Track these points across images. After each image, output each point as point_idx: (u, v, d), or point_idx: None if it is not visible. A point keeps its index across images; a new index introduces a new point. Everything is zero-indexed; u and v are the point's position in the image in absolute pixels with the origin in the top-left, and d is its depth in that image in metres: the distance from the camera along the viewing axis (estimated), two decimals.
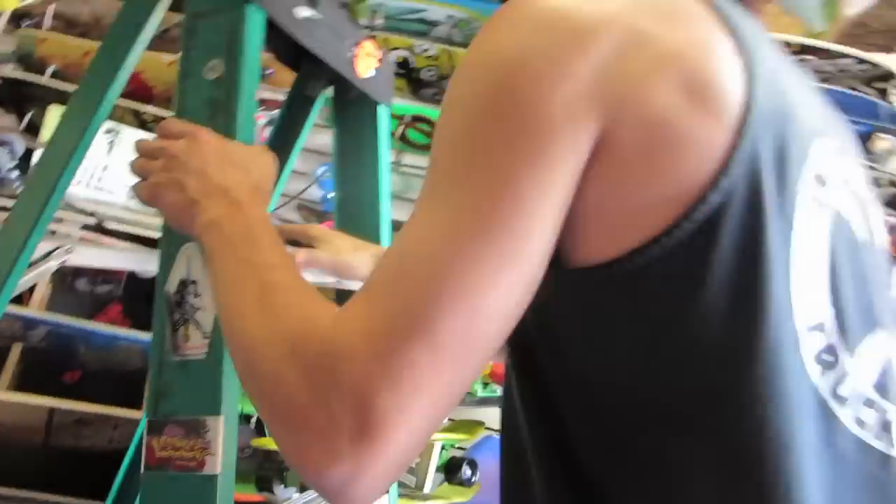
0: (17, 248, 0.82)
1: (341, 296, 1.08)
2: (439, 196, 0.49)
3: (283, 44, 0.81)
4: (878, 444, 0.55)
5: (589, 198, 0.49)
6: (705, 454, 0.49)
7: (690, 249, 0.48)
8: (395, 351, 0.44)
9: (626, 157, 0.48)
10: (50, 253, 0.84)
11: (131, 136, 2.09)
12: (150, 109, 2.13)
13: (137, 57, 0.83)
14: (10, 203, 1.76)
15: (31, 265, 0.83)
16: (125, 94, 2.11)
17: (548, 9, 0.50)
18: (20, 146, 1.97)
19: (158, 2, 0.82)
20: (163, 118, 0.90)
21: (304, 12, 0.85)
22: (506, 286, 0.46)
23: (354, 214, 1.05)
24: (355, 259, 0.97)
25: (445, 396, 0.46)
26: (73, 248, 0.86)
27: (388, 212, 1.06)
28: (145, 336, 1.86)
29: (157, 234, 0.71)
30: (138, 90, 2.15)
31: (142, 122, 2.14)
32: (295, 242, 0.97)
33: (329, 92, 1.07)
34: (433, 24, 2.37)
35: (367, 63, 0.98)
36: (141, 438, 1.14)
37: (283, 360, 0.48)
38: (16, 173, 1.91)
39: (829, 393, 0.52)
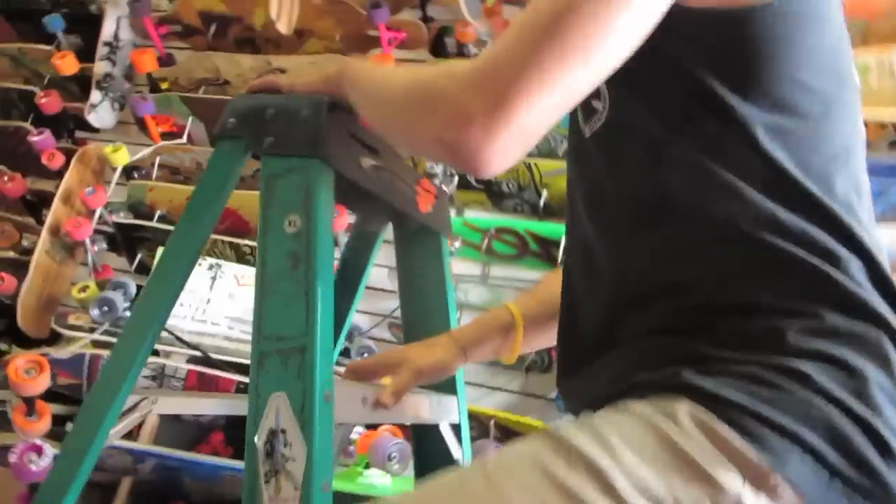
0: (112, 394, 0.84)
1: (425, 436, 1.08)
2: None
3: (344, 190, 0.87)
4: None
5: None
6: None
7: None
8: (526, 54, 0.56)
9: None
10: (136, 405, 0.89)
11: (231, 269, 2.21)
12: (248, 242, 2.25)
13: (224, 201, 0.90)
14: None
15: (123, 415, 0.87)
16: (224, 231, 2.26)
17: None
18: (133, 287, 2.11)
19: (242, 157, 0.88)
20: None
21: (368, 162, 0.91)
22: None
23: (424, 331, 1.08)
24: (436, 354, 0.95)
25: (567, 90, 0.57)
26: (157, 399, 0.91)
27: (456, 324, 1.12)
28: None
29: None
30: (236, 225, 2.28)
31: (240, 255, 2.26)
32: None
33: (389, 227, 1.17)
34: None
35: (426, 199, 1.07)
36: None
37: (435, 79, 0.62)
38: (129, 313, 2.05)
39: None
